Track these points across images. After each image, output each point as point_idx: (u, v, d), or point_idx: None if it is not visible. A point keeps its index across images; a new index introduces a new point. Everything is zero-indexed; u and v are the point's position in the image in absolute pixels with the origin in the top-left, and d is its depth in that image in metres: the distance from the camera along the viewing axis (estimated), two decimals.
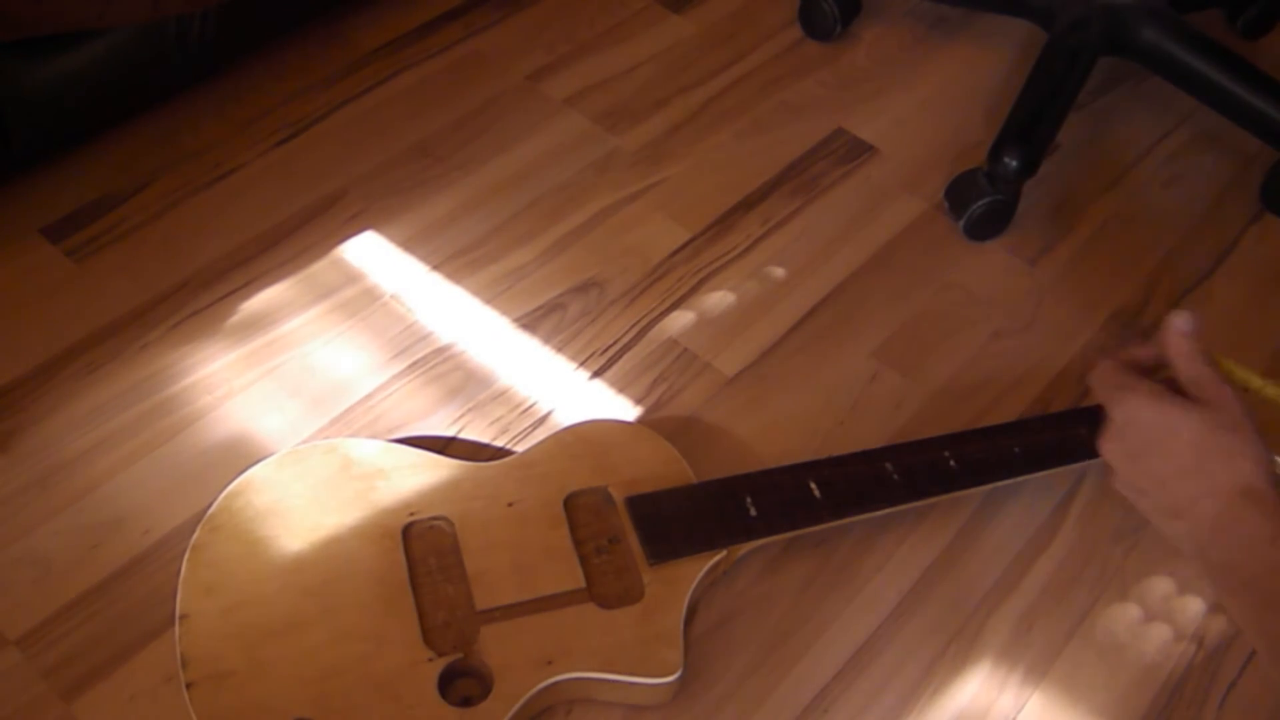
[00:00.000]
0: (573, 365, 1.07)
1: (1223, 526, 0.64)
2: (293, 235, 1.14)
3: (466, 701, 0.80)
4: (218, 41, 1.16)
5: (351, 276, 1.11)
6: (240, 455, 0.97)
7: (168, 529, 0.93)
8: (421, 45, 1.33)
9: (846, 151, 1.27)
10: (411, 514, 0.89)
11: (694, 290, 1.13)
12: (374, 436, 0.99)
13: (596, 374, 1.06)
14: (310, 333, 1.07)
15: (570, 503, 0.91)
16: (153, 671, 0.85)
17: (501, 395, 1.04)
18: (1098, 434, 0.76)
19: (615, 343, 1.09)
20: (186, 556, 0.86)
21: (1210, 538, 0.64)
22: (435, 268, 1.13)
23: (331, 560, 0.86)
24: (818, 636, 0.91)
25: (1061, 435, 0.97)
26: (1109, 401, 0.74)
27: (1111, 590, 0.95)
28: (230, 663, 0.81)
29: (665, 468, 0.94)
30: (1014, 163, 1.13)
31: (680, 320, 1.11)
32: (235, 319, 1.07)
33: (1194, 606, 0.94)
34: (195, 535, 0.87)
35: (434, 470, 0.92)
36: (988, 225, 1.19)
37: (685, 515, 0.91)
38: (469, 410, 1.02)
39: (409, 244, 1.14)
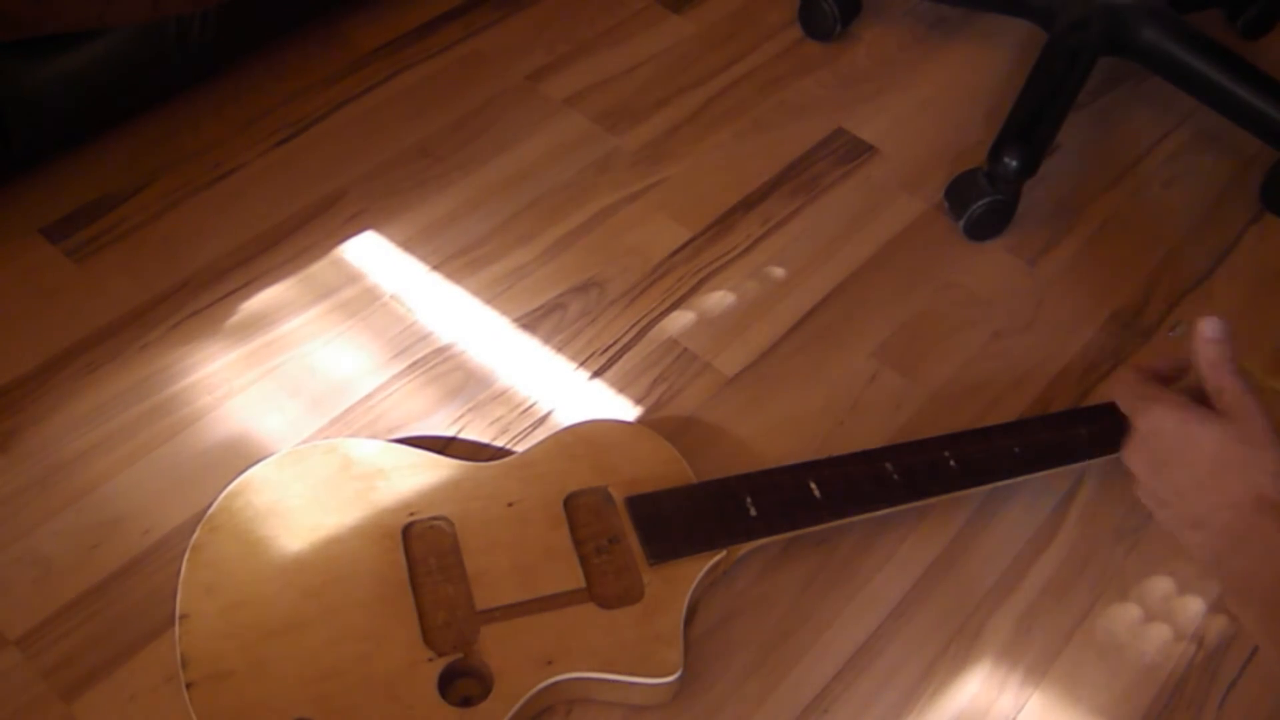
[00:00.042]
0: (573, 365, 1.07)
1: (1240, 537, 0.64)
2: (293, 235, 1.14)
3: (466, 701, 0.80)
4: (218, 41, 1.16)
5: (351, 276, 1.11)
6: (240, 455, 0.97)
7: (167, 529, 0.93)
8: (421, 45, 1.33)
9: (846, 151, 1.27)
10: (411, 514, 0.89)
11: (694, 290, 1.13)
12: (374, 436, 0.99)
13: (596, 374, 1.06)
14: (310, 333, 1.07)
15: (570, 503, 0.91)
16: (153, 671, 0.85)
17: (501, 395, 1.04)
18: (1123, 444, 0.75)
19: (615, 343, 1.09)
20: (186, 556, 0.86)
21: (1228, 548, 0.64)
22: (435, 268, 1.13)
23: (331, 560, 0.86)
24: (818, 636, 0.91)
25: (1061, 435, 0.97)
26: (1133, 411, 0.74)
27: (1111, 590, 0.95)
28: (230, 663, 0.81)
29: (665, 468, 0.94)
30: (1014, 163, 1.13)
31: (680, 320, 1.11)
32: (235, 319, 1.07)
33: (1194, 606, 0.94)
34: (195, 535, 0.87)
35: (434, 470, 0.92)
36: (988, 225, 1.19)
37: (685, 515, 0.91)
38: (469, 410, 1.02)
39: (409, 244, 1.14)
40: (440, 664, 0.81)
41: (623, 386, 1.05)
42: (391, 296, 1.10)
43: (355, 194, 1.18)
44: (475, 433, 1.01)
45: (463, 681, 0.82)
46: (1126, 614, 0.94)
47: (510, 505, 0.90)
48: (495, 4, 1.39)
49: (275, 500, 0.89)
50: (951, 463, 0.95)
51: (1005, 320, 1.13)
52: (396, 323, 1.08)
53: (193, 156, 1.20)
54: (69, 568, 0.90)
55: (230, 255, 1.12)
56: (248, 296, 1.09)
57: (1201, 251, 1.21)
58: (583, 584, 0.86)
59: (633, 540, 0.89)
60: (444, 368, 1.05)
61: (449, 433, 1.01)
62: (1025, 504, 0.99)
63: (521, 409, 1.03)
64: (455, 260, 1.14)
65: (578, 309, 1.11)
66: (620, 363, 1.07)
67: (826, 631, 0.91)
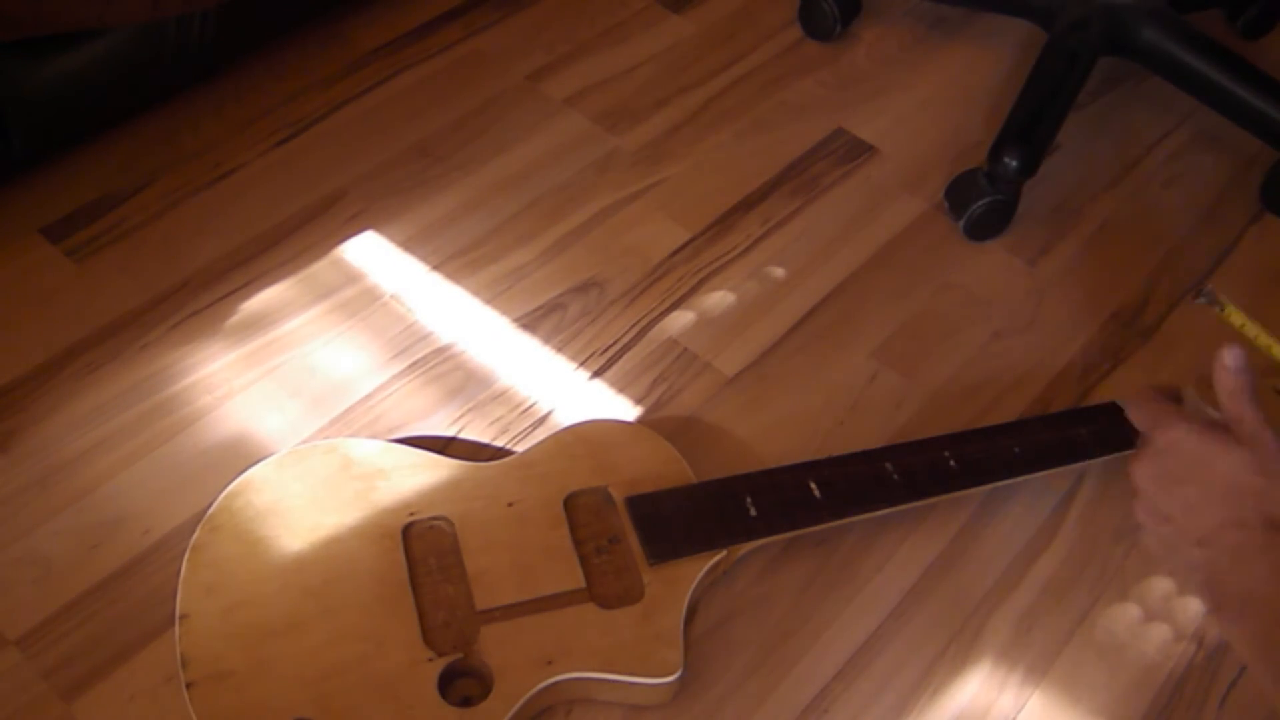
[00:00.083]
0: (573, 365, 1.07)
1: (1245, 556, 0.65)
2: (293, 235, 1.14)
3: (466, 701, 0.80)
4: (218, 41, 1.16)
5: (351, 276, 1.11)
6: (240, 455, 0.97)
7: (168, 529, 0.93)
8: (421, 45, 1.33)
9: (846, 151, 1.27)
10: (411, 514, 0.89)
11: (694, 290, 1.13)
12: (374, 436, 0.99)
13: (596, 374, 1.06)
14: (310, 333, 1.07)
15: (570, 503, 0.91)
16: (153, 671, 0.85)
17: (501, 395, 1.04)
18: (1133, 456, 0.75)
19: (615, 343, 1.09)
20: (186, 556, 0.86)
21: (1230, 565, 0.65)
22: (435, 268, 1.13)
23: (331, 560, 0.86)
24: (818, 636, 0.91)
25: (1061, 435, 0.97)
26: (1152, 426, 0.74)
27: (1111, 590, 0.95)
28: (230, 663, 0.81)
29: (665, 468, 0.94)
30: (1014, 163, 1.13)
31: (680, 320, 1.11)
32: (235, 319, 1.07)
33: (1194, 606, 0.94)
34: (195, 535, 0.87)
35: (434, 470, 0.92)
36: (988, 225, 1.19)
37: (685, 515, 0.91)
38: (469, 410, 1.02)
39: (409, 244, 1.14)
40: (440, 664, 0.81)
41: (623, 386, 1.05)
42: (391, 296, 1.10)
43: (355, 194, 1.18)
44: (475, 433, 1.01)
45: (463, 681, 0.82)
46: (1126, 614, 0.94)
47: (510, 505, 0.90)
48: (495, 4, 1.39)
49: (275, 500, 0.89)
50: (951, 463, 0.95)
51: (1005, 320, 1.13)
52: (396, 323, 1.08)
53: (193, 156, 1.20)
54: (69, 568, 0.90)
55: (230, 255, 1.12)
56: (248, 296, 1.09)
57: (1201, 251, 1.21)
58: (583, 584, 0.86)
59: (633, 540, 0.89)
60: (444, 368, 1.05)
61: (449, 433, 1.01)
62: (1025, 504, 0.99)
63: (521, 409, 1.03)
64: (455, 260, 1.14)
65: (578, 309, 1.11)
66: (620, 363, 1.07)
67: (826, 631, 0.91)
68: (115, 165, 1.18)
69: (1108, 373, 1.09)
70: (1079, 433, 0.96)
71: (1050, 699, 0.89)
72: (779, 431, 1.03)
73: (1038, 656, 0.91)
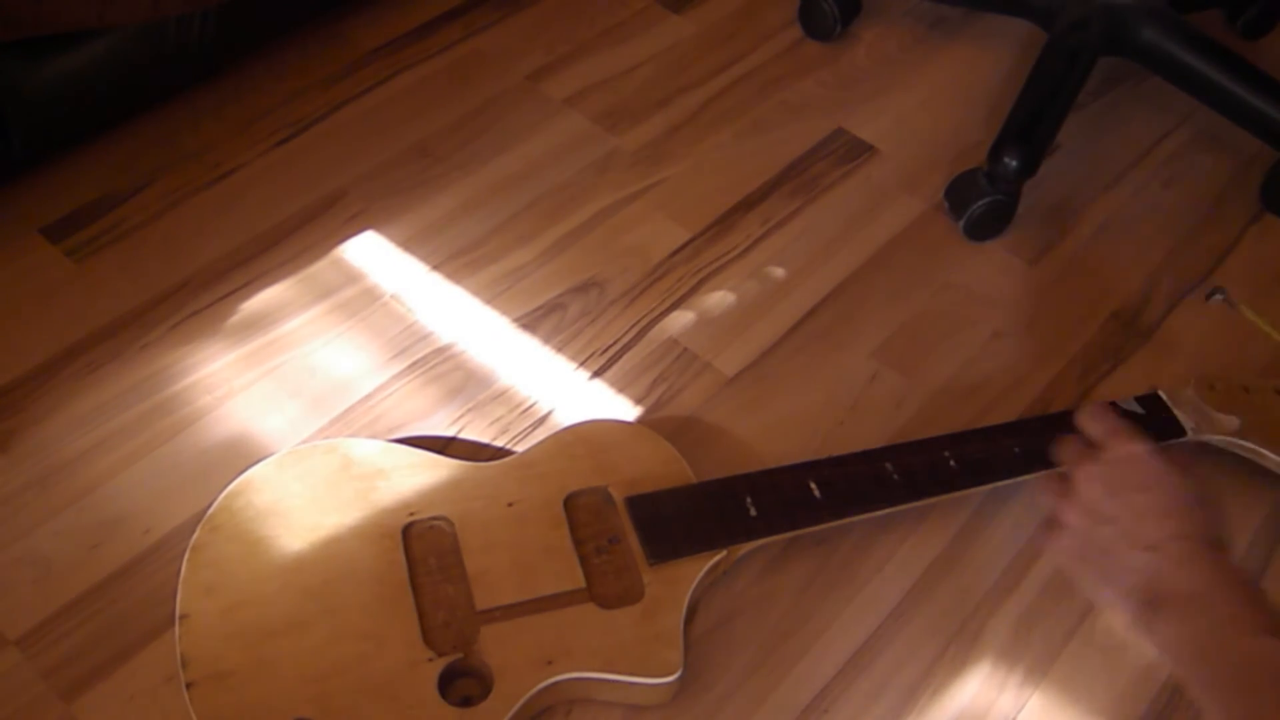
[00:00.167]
0: (573, 365, 1.07)
1: (1192, 560, 0.69)
2: (293, 235, 1.14)
3: (466, 701, 0.80)
4: (218, 41, 1.16)
5: (351, 276, 1.11)
6: (240, 455, 0.97)
7: (168, 529, 0.93)
8: (421, 45, 1.33)
9: (846, 151, 1.27)
10: (411, 514, 0.89)
11: (694, 290, 1.13)
12: (374, 436, 0.99)
13: (596, 374, 1.06)
14: (310, 333, 1.07)
15: (570, 503, 0.91)
16: (153, 671, 0.85)
17: (501, 395, 1.04)
18: (1078, 464, 0.78)
19: (615, 343, 1.09)
20: (186, 556, 0.86)
21: (1175, 568, 0.69)
22: (435, 268, 1.13)
23: (331, 560, 0.86)
24: (818, 636, 0.91)
25: (1062, 435, 0.97)
26: (1109, 436, 0.78)
27: None
28: (230, 663, 0.81)
29: (665, 468, 0.94)
30: (1014, 163, 1.13)
31: (680, 320, 1.11)
32: (235, 319, 1.07)
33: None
34: (195, 535, 0.87)
35: (434, 470, 0.92)
36: (988, 225, 1.19)
37: (685, 515, 0.91)
38: (469, 410, 1.02)
39: (409, 244, 1.14)
40: (440, 664, 0.81)
41: (623, 386, 1.05)
42: (391, 296, 1.10)
43: (355, 194, 1.18)
44: (475, 433, 1.01)
45: (463, 681, 0.82)
46: None
47: (510, 505, 0.90)
48: (495, 4, 1.39)
49: (275, 500, 0.89)
50: (951, 463, 0.95)
51: (1005, 320, 1.13)
52: (396, 323, 1.08)
53: (193, 156, 1.20)
54: (69, 568, 0.90)
55: (230, 255, 1.12)
56: (248, 296, 1.09)
57: (1201, 251, 1.21)
58: (583, 584, 0.86)
59: (633, 540, 0.89)
60: (444, 368, 1.05)
61: (449, 433, 1.01)
62: (1025, 504, 0.99)
63: (521, 409, 1.03)
64: (455, 260, 1.14)
65: (578, 309, 1.11)
66: (620, 363, 1.07)
67: (826, 631, 0.91)
68: (115, 165, 1.18)
69: (1108, 373, 1.09)
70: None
71: (1050, 699, 0.89)
72: (779, 431, 1.03)
73: (1038, 656, 0.91)
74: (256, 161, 1.20)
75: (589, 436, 0.95)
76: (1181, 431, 0.98)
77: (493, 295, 1.11)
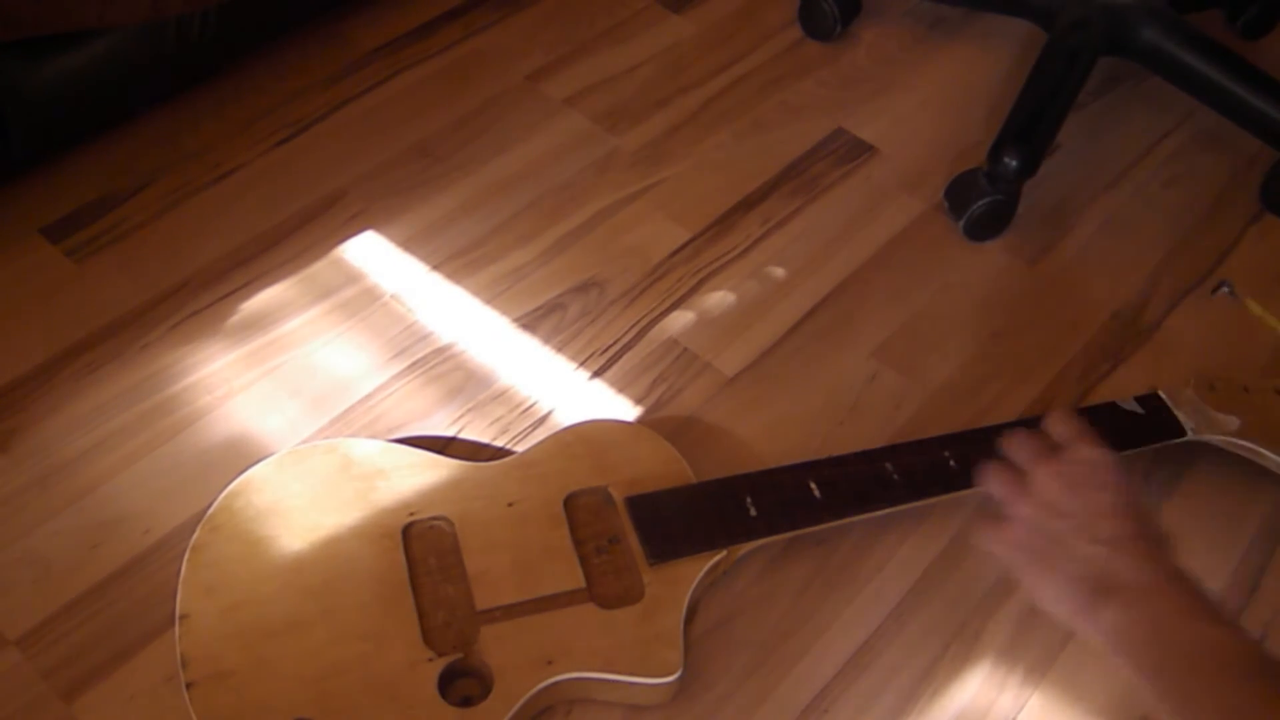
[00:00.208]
0: (573, 365, 1.07)
1: (1146, 553, 0.72)
2: (293, 235, 1.14)
3: (466, 701, 0.80)
4: (218, 41, 1.16)
5: (351, 276, 1.11)
6: (240, 455, 0.97)
7: (168, 529, 0.93)
8: (421, 45, 1.33)
9: (846, 151, 1.27)
10: (411, 514, 0.89)
11: (694, 290, 1.13)
12: (374, 436, 0.99)
13: (596, 374, 1.06)
14: (310, 333, 1.07)
15: (570, 503, 0.91)
16: (153, 671, 0.85)
17: (501, 395, 1.04)
18: (1036, 458, 0.80)
19: (615, 343, 1.09)
20: (186, 556, 0.86)
21: (1129, 560, 0.72)
22: (435, 268, 1.13)
23: (331, 560, 0.86)
24: (818, 636, 0.91)
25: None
26: (1075, 439, 0.81)
27: None
28: (230, 663, 0.81)
29: (665, 468, 0.94)
30: (1014, 163, 1.13)
31: (680, 320, 1.11)
32: (235, 319, 1.07)
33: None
34: (195, 535, 0.87)
35: (434, 470, 0.92)
36: (988, 225, 1.19)
37: (685, 515, 0.91)
38: (469, 410, 1.02)
39: (409, 244, 1.14)
40: (440, 664, 0.81)
41: (623, 386, 1.05)
42: (391, 296, 1.10)
43: (355, 194, 1.18)
44: (475, 433, 1.01)
45: (463, 681, 0.82)
46: None
47: (510, 505, 0.90)
48: (495, 4, 1.39)
49: (275, 500, 0.89)
50: (951, 463, 0.95)
51: (1005, 320, 1.13)
52: (396, 323, 1.08)
53: (193, 156, 1.20)
54: (69, 568, 0.90)
55: (230, 255, 1.12)
56: (248, 296, 1.09)
57: (1201, 251, 1.21)
58: (583, 584, 0.86)
59: (633, 540, 0.89)
60: (444, 368, 1.05)
61: (449, 433, 1.01)
62: None
63: (521, 409, 1.03)
64: (455, 260, 1.14)
65: (578, 309, 1.11)
66: (620, 363, 1.07)
67: (826, 632, 0.91)
68: (115, 165, 1.18)
69: (1108, 373, 1.10)
70: None
71: (1050, 699, 0.89)
72: (779, 431, 1.03)
73: (1038, 656, 0.91)
74: (256, 161, 1.20)
75: (589, 436, 0.95)
76: (1181, 431, 0.98)
77: (493, 295, 1.11)
